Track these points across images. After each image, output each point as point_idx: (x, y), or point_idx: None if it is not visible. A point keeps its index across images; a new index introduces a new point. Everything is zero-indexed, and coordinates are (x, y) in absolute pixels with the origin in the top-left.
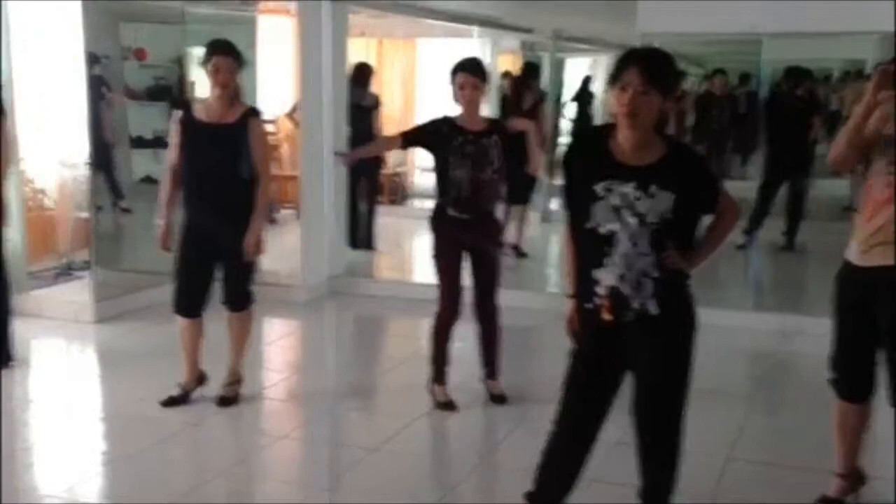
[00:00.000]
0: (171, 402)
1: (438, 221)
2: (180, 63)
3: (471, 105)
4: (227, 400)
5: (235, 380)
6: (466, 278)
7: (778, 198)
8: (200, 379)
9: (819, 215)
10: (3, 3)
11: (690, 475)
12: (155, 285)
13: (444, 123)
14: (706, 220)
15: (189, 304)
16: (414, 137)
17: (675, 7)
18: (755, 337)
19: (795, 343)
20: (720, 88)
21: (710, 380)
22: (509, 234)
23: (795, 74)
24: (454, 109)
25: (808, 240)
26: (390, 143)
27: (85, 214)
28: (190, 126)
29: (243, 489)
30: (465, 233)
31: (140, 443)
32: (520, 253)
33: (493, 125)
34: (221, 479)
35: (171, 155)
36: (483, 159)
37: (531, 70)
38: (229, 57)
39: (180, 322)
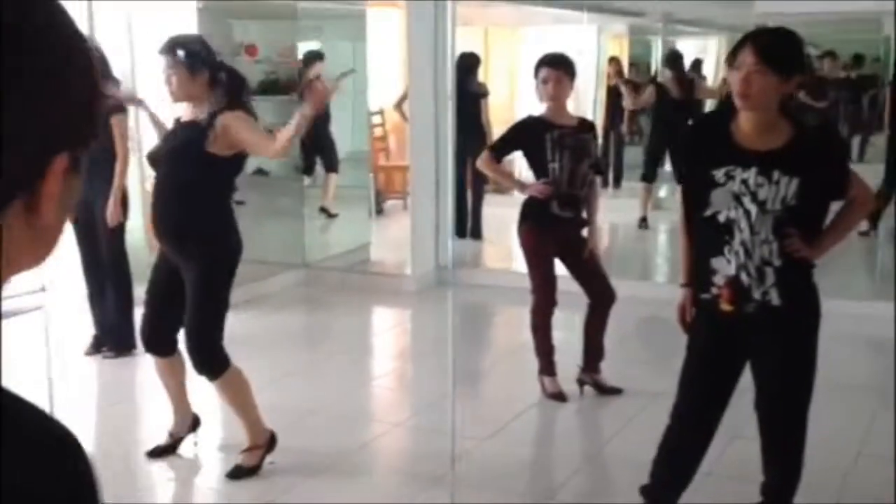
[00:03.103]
0: (158, 453)
1: (535, 216)
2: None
3: (556, 101)
4: (234, 470)
5: (248, 448)
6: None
7: None
8: (194, 424)
9: None
10: (126, 5)
11: (818, 471)
12: (273, 274)
13: (533, 122)
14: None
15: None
16: (504, 146)
17: None
18: (882, 327)
19: None
20: (831, 70)
21: (838, 372)
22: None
23: None
24: (540, 108)
25: None
26: (487, 164)
27: None
28: None
29: (362, 476)
30: (562, 232)
31: (280, 421)
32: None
33: (584, 123)
34: (337, 466)
35: None
36: (581, 152)
37: (676, 58)
38: (171, 55)
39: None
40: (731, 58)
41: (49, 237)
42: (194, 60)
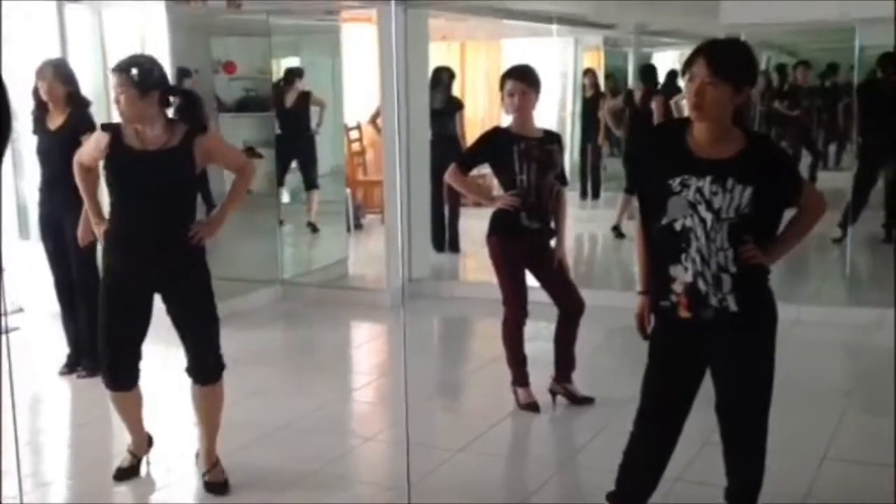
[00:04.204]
0: (123, 475)
1: (504, 228)
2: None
3: (522, 112)
4: (216, 486)
5: (214, 463)
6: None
7: (877, 189)
8: (149, 442)
9: None
10: (100, 22)
11: (784, 475)
12: (249, 291)
13: (500, 133)
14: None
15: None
16: (471, 159)
17: None
18: (852, 332)
19: (893, 338)
20: (803, 79)
21: (806, 377)
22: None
23: (891, 61)
24: (506, 120)
25: None
26: (454, 177)
27: None
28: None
29: (332, 490)
30: (530, 243)
31: (249, 436)
32: (619, 234)
33: (550, 134)
34: (311, 479)
35: None
36: (548, 164)
37: (649, 73)
38: (123, 74)
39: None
40: (686, 68)
41: None
42: (144, 80)
